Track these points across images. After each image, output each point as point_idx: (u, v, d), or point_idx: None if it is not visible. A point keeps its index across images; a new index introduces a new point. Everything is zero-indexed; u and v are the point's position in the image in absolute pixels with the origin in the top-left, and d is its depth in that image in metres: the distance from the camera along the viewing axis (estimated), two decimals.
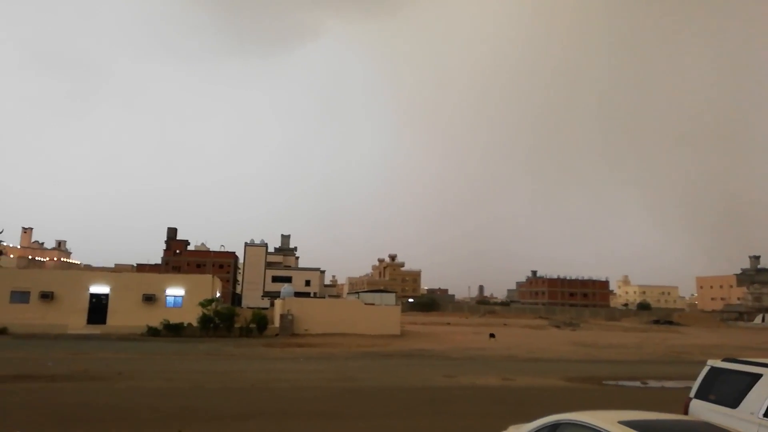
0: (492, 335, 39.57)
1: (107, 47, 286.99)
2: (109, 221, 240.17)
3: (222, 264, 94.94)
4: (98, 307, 36.19)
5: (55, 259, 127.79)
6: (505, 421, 7.37)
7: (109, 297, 36.46)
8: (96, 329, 33.45)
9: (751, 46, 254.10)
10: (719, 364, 7.14)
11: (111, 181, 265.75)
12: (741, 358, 7.10)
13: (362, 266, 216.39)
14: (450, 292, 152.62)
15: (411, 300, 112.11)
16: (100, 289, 36.63)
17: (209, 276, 40.09)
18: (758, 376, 6.33)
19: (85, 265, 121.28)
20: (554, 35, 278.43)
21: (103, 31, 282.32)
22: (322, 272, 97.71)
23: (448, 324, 62.86)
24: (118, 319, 35.07)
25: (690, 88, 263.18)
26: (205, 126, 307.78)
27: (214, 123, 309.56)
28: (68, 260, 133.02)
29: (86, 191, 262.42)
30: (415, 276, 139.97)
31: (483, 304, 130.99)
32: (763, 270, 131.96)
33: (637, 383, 19.11)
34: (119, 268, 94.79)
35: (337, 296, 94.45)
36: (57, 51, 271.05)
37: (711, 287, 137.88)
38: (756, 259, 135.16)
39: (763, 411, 5.98)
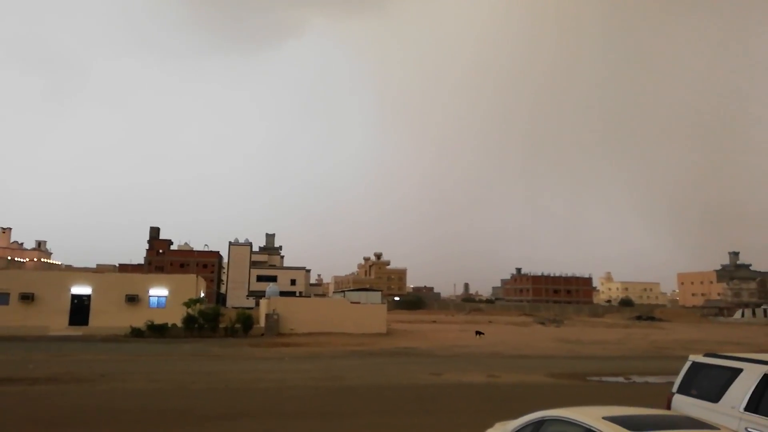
0: (479, 333, 39.76)
1: (87, 43, 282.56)
2: (90, 221, 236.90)
3: (206, 263, 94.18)
4: (80, 308, 35.69)
5: (35, 259, 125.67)
6: (491, 417, 7.41)
7: (92, 298, 35.98)
8: (78, 330, 32.95)
9: (739, 48, 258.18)
10: (701, 359, 7.23)
11: (92, 180, 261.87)
12: (722, 353, 7.20)
13: (348, 265, 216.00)
14: (436, 290, 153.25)
15: (397, 298, 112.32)
16: (81, 289, 36.12)
17: (193, 276, 39.75)
18: (738, 371, 6.43)
19: (66, 265, 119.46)
20: (544, 32, 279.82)
21: (82, 27, 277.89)
22: (308, 271, 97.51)
23: (434, 322, 63.08)
24: (100, 320, 34.61)
25: (675, 86, 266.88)
26: (187, 124, 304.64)
27: (197, 121, 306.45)
28: (49, 261, 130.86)
29: (66, 190, 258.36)
30: (401, 274, 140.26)
31: (468, 301, 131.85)
32: (743, 266, 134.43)
33: (621, 379, 19.35)
34: (101, 269, 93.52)
35: (323, 295, 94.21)
36: (35, 47, 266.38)
37: (692, 283, 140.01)
38: (735, 255, 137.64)
39: (744, 405, 6.07)
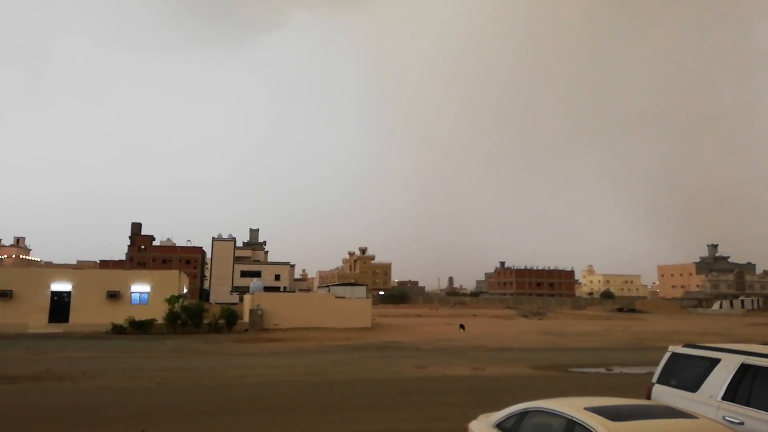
0: (462, 326, 40.03)
1: (65, 38, 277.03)
2: (70, 217, 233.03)
3: (189, 259, 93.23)
4: (60, 305, 35.10)
5: (14, 256, 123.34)
6: (475, 409, 7.47)
7: (72, 294, 35.39)
8: (58, 328, 32.47)
9: (711, 41, 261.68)
10: (680, 350, 7.35)
11: (72, 176, 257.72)
12: (700, 344, 7.33)
13: (333, 260, 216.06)
14: (420, 284, 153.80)
15: (382, 292, 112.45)
16: (61, 286, 35.52)
17: (176, 271, 39.31)
18: (716, 361, 6.55)
19: (45, 262, 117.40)
20: (519, 22, 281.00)
21: (61, 21, 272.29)
22: (292, 266, 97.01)
23: (419, 316, 63.34)
24: (81, 317, 34.08)
25: (655, 79, 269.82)
26: (168, 119, 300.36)
27: (178, 115, 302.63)
28: (27, 257, 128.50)
29: (45, 185, 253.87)
30: (386, 269, 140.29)
31: (453, 295, 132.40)
32: (721, 258, 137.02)
33: (602, 370, 19.62)
34: (82, 265, 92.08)
35: (308, 290, 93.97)
36: (12, 40, 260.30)
37: (671, 275, 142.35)
38: (714, 247, 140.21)
39: (721, 394, 6.19)
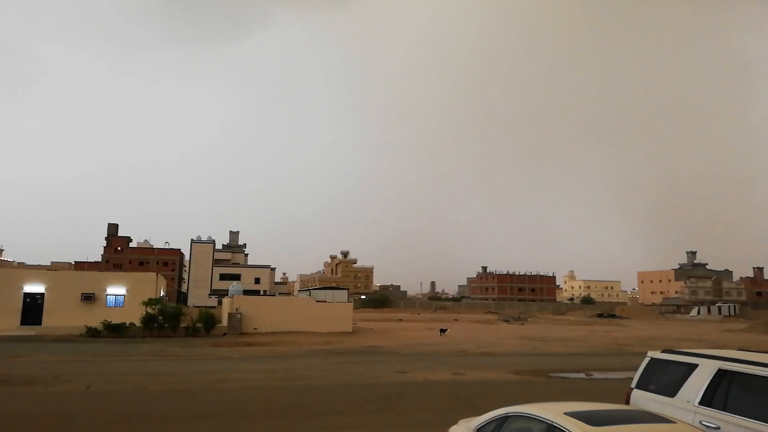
0: (443, 331, 40.07)
1: (38, 30, 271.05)
2: (44, 217, 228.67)
3: (167, 261, 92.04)
4: (33, 308, 34.34)
5: None
6: (456, 414, 7.41)
7: (45, 296, 34.66)
8: (31, 330, 31.73)
9: (695, 47, 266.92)
10: (658, 355, 7.38)
11: (46, 175, 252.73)
12: (678, 350, 7.36)
13: (314, 263, 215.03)
14: (402, 289, 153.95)
15: (363, 297, 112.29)
16: (34, 288, 34.75)
17: (153, 274, 38.73)
18: (694, 366, 6.57)
19: (18, 263, 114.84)
20: (503, 29, 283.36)
21: (34, 13, 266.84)
22: (273, 269, 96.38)
23: (401, 320, 63.31)
24: (54, 319, 33.37)
25: (635, 86, 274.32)
26: (147, 118, 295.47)
27: (158, 115, 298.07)
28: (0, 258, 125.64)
29: (19, 185, 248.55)
30: (368, 272, 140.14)
31: (435, 299, 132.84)
32: (699, 265, 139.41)
33: (582, 375, 19.74)
34: (56, 266, 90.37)
35: (288, 294, 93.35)
36: None
37: (651, 281, 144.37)
38: (692, 254, 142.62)
39: (698, 399, 6.21)
